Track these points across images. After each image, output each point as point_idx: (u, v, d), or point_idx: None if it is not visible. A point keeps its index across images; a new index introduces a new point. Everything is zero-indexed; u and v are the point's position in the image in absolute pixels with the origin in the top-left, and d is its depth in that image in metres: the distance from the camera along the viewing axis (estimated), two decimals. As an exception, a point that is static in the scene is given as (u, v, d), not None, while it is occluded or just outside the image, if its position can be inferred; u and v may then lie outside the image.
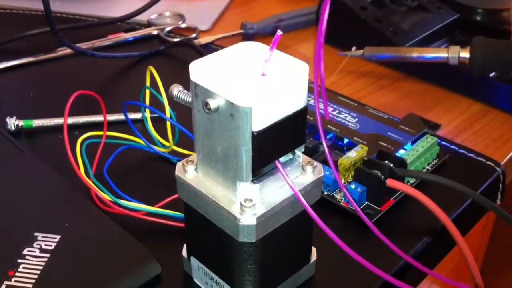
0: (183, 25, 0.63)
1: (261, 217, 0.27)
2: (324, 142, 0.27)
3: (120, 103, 0.42)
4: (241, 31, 0.61)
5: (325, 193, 0.38)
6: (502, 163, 0.43)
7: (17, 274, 0.31)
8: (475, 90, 0.51)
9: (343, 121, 0.44)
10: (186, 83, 0.28)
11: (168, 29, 0.62)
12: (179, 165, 0.29)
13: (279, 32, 0.25)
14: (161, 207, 0.36)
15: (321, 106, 0.27)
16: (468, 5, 0.63)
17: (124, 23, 0.63)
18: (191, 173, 0.29)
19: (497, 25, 0.60)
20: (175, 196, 0.34)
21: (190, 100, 0.27)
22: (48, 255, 0.32)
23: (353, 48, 0.49)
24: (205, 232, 0.29)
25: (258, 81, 0.25)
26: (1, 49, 0.57)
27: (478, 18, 0.63)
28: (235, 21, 0.64)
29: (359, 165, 0.39)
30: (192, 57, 0.48)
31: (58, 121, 0.46)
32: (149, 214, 0.36)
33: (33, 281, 0.30)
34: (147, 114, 0.43)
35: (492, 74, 0.51)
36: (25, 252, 0.32)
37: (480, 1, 0.63)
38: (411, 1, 0.59)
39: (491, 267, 0.79)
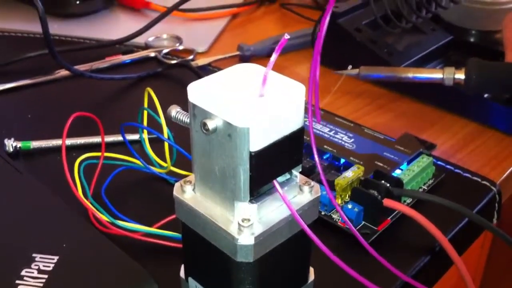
0: (181, 47, 0.64)
1: (259, 237, 0.27)
2: (317, 161, 0.28)
3: (118, 124, 0.42)
4: (238, 53, 0.62)
5: (323, 212, 0.39)
6: (497, 182, 0.44)
7: (15, 295, 0.31)
8: (470, 110, 0.52)
9: (340, 141, 0.44)
10: (183, 104, 0.28)
11: (165, 51, 0.63)
12: (177, 185, 0.29)
13: (286, 36, 0.25)
14: (159, 227, 0.36)
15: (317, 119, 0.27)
16: (462, 27, 0.64)
17: (122, 45, 0.63)
18: (189, 193, 0.29)
19: (491, 46, 0.61)
20: (173, 216, 0.34)
21: (188, 121, 0.28)
22: (46, 276, 0.32)
23: (349, 67, 0.49)
24: (203, 252, 0.29)
25: (255, 101, 0.25)
26: (0, 71, 0.58)
27: (471, 39, 0.64)
28: (231, 43, 0.64)
29: (356, 185, 0.39)
30: (189, 78, 0.49)
31: (56, 142, 0.46)
32: (147, 234, 0.36)
33: (30, 302, 0.30)
34: (145, 135, 0.43)
35: (486, 95, 0.51)
36: (23, 273, 0.32)
37: (473, 23, 0.64)
38: (405, 23, 0.59)
39: (489, 287, 0.79)
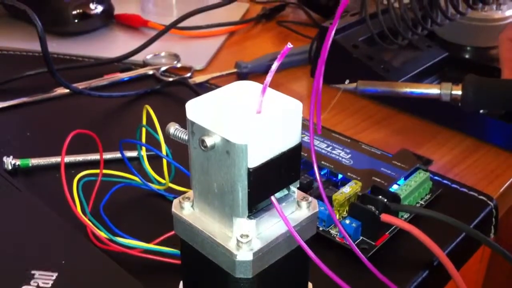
0: (178, 65, 0.64)
1: (257, 253, 0.27)
2: (318, 177, 0.28)
3: (116, 142, 0.42)
4: (235, 70, 0.62)
5: (321, 228, 0.39)
6: (494, 197, 0.44)
7: (13, 313, 0.31)
8: (467, 125, 0.52)
9: (337, 157, 0.44)
10: (181, 121, 0.28)
11: (163, 68, 0.63)
12: (175, 202, 0.30)
13: (289, 45, 0.25)
14: (157, 244, 0.36)
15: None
16: (457, 44, 0.65)
17: (120, 63, 0.64)
18: (188, 210, 0.29)
19: (486, 63, 0.62)
20: (172, 233, 0.35)
21: (186, 138, 0.28)
22: (45, 294, 0.32)
23: (346, 81, 0.50)
24: (202, 268, 0.30)
25: (253, 118, 0.26)
26: (-1, 89, 0.58)
27: (467, 56, 0.65)
28: (229, 60, 0.65)
29: (353, 200, 0.39)
30: (187, 95, 0.49)
31: (55, 160, 0.46)
32: (146, 251, 0.36)
33: (29, 320, 0.30)
34: (143, 152, 0.43)
35: (482, 110, 0.52)
36: (22, 290, 0.32)
37: (469, 39, 0.65)
38: (401, 39, 0.60)
39: (488, 302, 0.79)
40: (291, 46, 0.25)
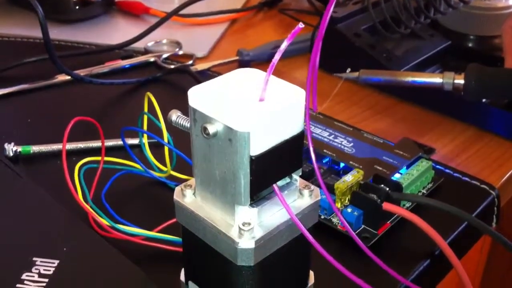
0: (180, 52, 0.64)
1: (259, 241, 0.27)
2: (315, 166, 0.28)
3: (118, 129, 0.42)
4: (237, 58, 0.62)
5: (322, 216, 0.39)
6: (496, 186, 0.44)
7: (15, 299, 0.31)
8: (469, 114, 0.52)
9: (339, 145, 0.44)
10: (183, 108, 0.28)
11: (165, 56, 0.63)
12: (177, 189, 0.30)
13: (301, 25, 0.24)
14: (159, 231, 0.36)
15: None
16: (460, 32, 0.64)
17: (122, 50, 0.63)
18: (190, 198, 0.29)
19: (489, 52, 0.61)
20: (173, 220, 0.35)
21: (188, 125, 0.28)
22: (46, 280, 0.32)
23: (348, 70, 0.50)
24: (203, 256, 0.30)
25: (255, 106, 0.26)
26: (0, 76, 0.58)
27: (470, 44, 0.64)
28: (231, 48, 0.65)
29: (355, 189, 0.39)
30: (189, 83, 0.49)
31: (56, 147, 0.46)
32: (147, 238, 0.36)
33: (31, 306, 0.30)
34: (145, 140, 0.43)
35: (485, 100, 0.52)
36: (23, 277, 0.32)
37: (471, 28, 0.64)
38: (404, 28, 0.60)
39: (488, 291, 0.79)
40: (302, 26, 0.24)
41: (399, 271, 0.32)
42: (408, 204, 0.41)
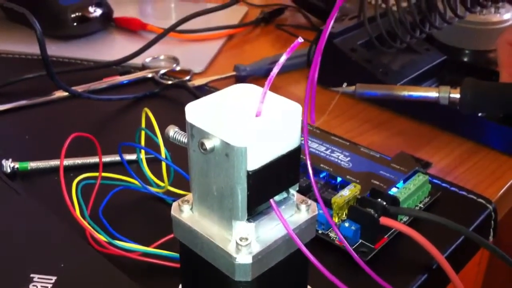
0: (177, 68, 0.64)
1: (256, 256, 0.27)
2: (313, 180, 0.28)
3: (115, 145, 0.42)
4: (234, 73, 0.62)
5: (320, 231, 0.39)
6: (493, 200, 0.44)
7: (12, 316, 0.30)
8: (465, 128, 0.52)
9: (336, 160, 0.44)
10: (180, 124, 0.28)
11: (162, 71, 0.63)
12: (175, 205, 0.30)
13: (300, 39, 0.24)
14: (156, 247, 0.36)
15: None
16: (455, 47, 0.65)
17: (119, 66, 0.64)
18: (187, 213, 0.29)
19: (484, 66, 0.62)
20: (171, 236, 0.35)
21: (186, 140, 0.28)
22: (43, 297, 0.32)
23: (344, 84, 0.50)
24: (201, 271, 0.29)
25: (252, 121, 0.26)
26: (-2, 92, 0.58)
27: (465, 59, 0.65)
28: (228, 63, 0.65)
29: (352, 203, 0.39)
30: (186, 98, 0.49)
31: (54, 163, 0.46)
32: (145, 254, 0.36)
33: (28, 323, 0.30)
34: (143, 155, 0.43)
35: (480, 114, 0.52)
36: (21, 293, 0.32)
37: (467, 42, 0.65)
38: (400, 43, 0.60)
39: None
40: (302, 40, 0.24)
41: (396, 286, 0.32)
42: (405, 218, 0.41)
